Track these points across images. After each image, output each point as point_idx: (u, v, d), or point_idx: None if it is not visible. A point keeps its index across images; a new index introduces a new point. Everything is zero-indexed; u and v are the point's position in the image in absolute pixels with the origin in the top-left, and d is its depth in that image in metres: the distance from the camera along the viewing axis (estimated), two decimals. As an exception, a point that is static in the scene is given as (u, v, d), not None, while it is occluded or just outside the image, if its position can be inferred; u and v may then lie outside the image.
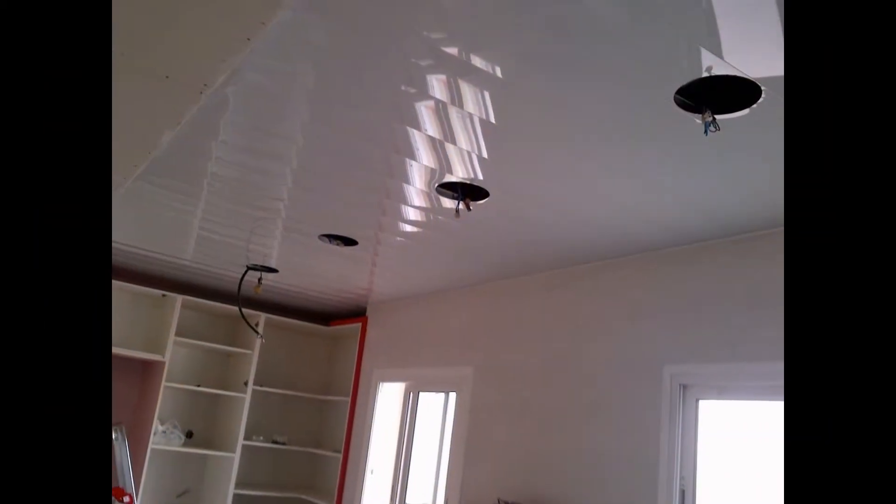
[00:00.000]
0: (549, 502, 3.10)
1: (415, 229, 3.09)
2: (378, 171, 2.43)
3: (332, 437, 5.23)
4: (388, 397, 4.66)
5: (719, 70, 1.56)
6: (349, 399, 4.93)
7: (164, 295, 4.77)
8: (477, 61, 1.64)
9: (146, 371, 4.91)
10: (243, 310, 4.55)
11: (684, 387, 2.71)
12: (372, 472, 4.53)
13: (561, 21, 1.45)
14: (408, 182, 2.50)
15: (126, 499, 3.50)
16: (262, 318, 4.95)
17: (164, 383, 4.54)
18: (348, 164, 2.39)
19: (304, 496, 5.02)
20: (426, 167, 2.33)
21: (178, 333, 4.66)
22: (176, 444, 4.70)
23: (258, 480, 5.12)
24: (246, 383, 4.86)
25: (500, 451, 3.47)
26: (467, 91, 1.79)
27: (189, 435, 4.91)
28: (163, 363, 4.58)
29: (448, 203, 2.64)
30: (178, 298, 4.67)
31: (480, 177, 2.37)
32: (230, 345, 5.07)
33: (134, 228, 3.66)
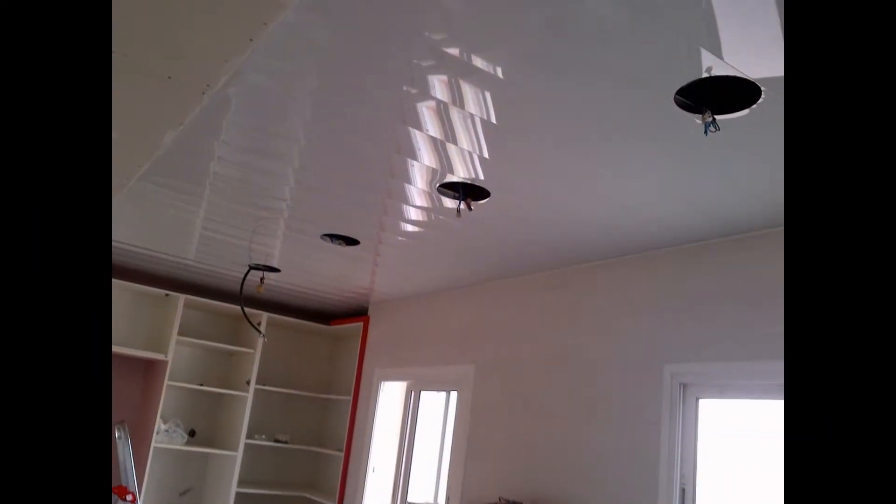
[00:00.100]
0: (549, 500, 3.11)
1: (416, 229, 3.09)
2: (379, 171, 2.43)
3: (334, 435, 5.24)
4: (390, 396, 4.67)
5: (719, 70, 1.56)
6: (351, 398, 4.93)
7: (166, 294, 4.78)
8: (478, 62, 1.65)
9: (149, 370, 4.92)
10: (246, 309, 4.56)
11: (684, 385, 2.71)
12: (374, 471, 4.54)
13: (562, 22, 1.45)
14: (409, 182, 2.50)
15: (129, 497, 3.51)
16: (264, 317, 4.96)
17: (166, 382, 4.55)
18: (350, 164, 2.40)
19: (306, 494, 5.04)
20: (427, 167, 2.34)
21: (180, 332, 4.68)
22: (179, 443, 4.72)
23: (260, 479, 5.13)
24: (248, 382, 4.87)
25: (502, 450, 3.48)
26: (468, 91, 1.80)
27: (192, 433, 4.92)
28: (166, 362, 4.59)
29: (449, 203, 2.65)
30: (181, 298, 4.69)
31: (481, 177, 2.37)
32: (233, 344, 5.08)
33: (137, 228, 3.67)
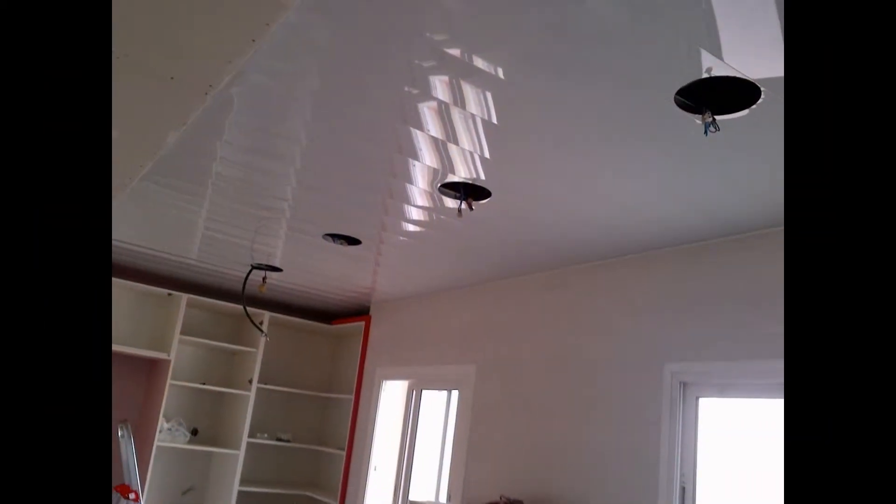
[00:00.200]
0: (550, 499, 3.11)
1: (417, 229, 3.10)
2: (381, 171, 2.44)
3: (336, 434, 5.25)
4: (391, 395, 4.67)
5: (719, 71, 1.56)
6: (353, 397, 4.94)
7: (169, 294, 4.79)
8: (479, 62, 1.65)
9: (152, 369, 4.93)
10: (248, 308, 4.57)
11: (685, 385, 2.72)
12: (375, 469, 4.55)
13: (562, 22, 1.46)
14: (411, 182, 2.51)
15: (132, 496, 3.52)
16: (266, 316, 4.97)
17: (169, 381, 4.56)
18: (351, 164, 2.40)
19: (307, 493, 5.05)
20: (429, 167, 2.34)
21: (183, 332, 4.69)
22: (181, 442, 4.73)
23: (262, 477, 5.15)
24: (250, 381, 4.89)
25: (503, 448, 3.49)
26: (469, 92, 1.80)
27: (194, 432, 4.93)
28: (168, 361, 4.60)
29: (450, 203, 2.65)
30: (184, 297, 4.70)
31: (482, 177, 2.38)
32: (235, 343, 5.09)
33: (140, 228, 3.68)
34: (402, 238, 3.29)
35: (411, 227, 3.10)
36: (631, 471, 2.79)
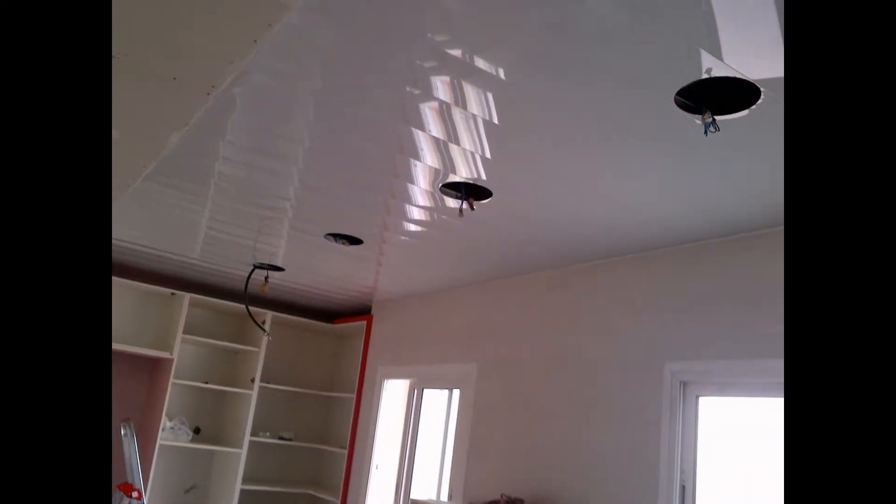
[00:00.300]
0: (551, 497, 3.12)
1: (419, 229, 3.11)
2: (383, 172, 2.44)
3: (338, 433, 5.26)
4: (393, 394, 4.68)
5: (719, 71, 1.57)
6: (354, 396, 4.95)
7: (172, 293, 4.81)
8: (480, 63, 1.66)
9: (154, 368, 4.95)
10: (250, 308, 4.58)
11: (685, 384, 2.72)
12: (377, 468, 4.56)
13: (562, 22, 1.46)
14: (412, 182, 2.52)
15: (135, 494, 3.53)
16: (268, 315, 4.98)
17: (172, 380, 4.58)
18: (353, 164, 2.41)
19: (309, 491, 5.06)
20: (430, 167, 2.35)
21: (185, 331, 4.70)
22: (184, 440, 4.74)
23: (265, 476, 5.16)
24: (253, 380, 4.90)
25: (504, 447, 3.49)
26: (471, 92, 1.81)
27: (197, 431, 4.95)
28: (171, 360, 4.62)
29: (452, 203, 2.66)
30: (186, 297, 4.71)
31: (484, 177, 2.38)
32: (237, 342, 5.10)
33: (143, 228, 3.69)
34: (403, 238, 3.30)
35: (413, 227, 3.11)
36: (631, 470, 2.79)
